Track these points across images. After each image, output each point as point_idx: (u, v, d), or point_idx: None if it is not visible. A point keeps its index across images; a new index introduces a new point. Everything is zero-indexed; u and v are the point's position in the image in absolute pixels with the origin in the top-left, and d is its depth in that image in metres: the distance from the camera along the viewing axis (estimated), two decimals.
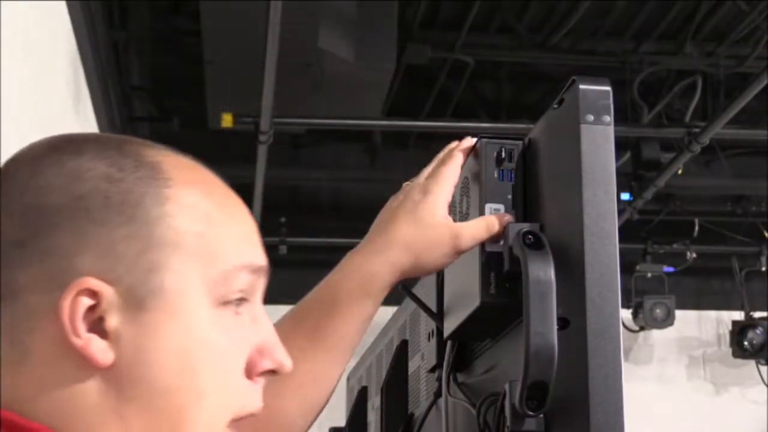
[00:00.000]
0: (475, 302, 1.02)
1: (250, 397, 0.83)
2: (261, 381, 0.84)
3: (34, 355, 0.78)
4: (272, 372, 0.84)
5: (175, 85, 4.92)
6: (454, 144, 1.12)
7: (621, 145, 4.81)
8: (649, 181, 5.03)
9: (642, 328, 6.43)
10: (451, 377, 1.20)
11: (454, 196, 1.11)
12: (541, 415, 0.94)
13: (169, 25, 4.69)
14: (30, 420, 0.77)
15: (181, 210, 0.80)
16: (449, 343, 1.20)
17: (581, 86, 0.96)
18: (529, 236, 0.97)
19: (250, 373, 0.83)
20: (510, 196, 1.04)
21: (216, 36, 4.12)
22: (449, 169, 1.10)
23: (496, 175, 1.05)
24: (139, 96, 4.77)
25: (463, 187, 1.10)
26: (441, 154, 1.14)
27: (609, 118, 0.95)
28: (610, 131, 0.95)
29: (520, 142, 1.06)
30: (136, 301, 0.78)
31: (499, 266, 1.01)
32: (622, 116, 4.73)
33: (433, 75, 4.91)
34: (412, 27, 4.57)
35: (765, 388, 6.48)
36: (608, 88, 0.97)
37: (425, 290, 1.30)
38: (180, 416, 0.79)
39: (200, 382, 0.79)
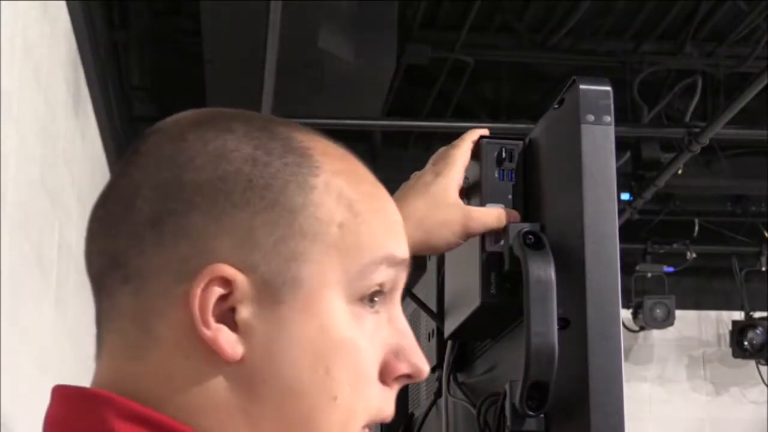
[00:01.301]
0: (476, 302, 1.02)
1: (384, 402, 0.77)
2: (396, 386, 0.78)
3: (163, 342, 0.73)
4: (408, 377, 0.78)
5: (175, 85, 4.91)
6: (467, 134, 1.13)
7: (621, 145, 4.80)
8: (649, 181, 5.02)
9: (642, 328, 6.44)
10: (451, 377, 1.20)
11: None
12: (542, 415, 0.94)
13: (169, 25, 4.69)
14: (167, 416, 0.71)
15: (325, 200, 0.75)
16: (449, 343, 1.20)
17: (581, 86, 0.96)
18: (530, 236, 0.97)
19: (385, 376, 0.77)
20: (510, 196, 1.04)
21: (216, 36, 4.12)
22: (460, 152, 1.09)
23: (496, 175, 1.05)
24: (139, 96, 4.76)
25: (463, 187, 1.10)
26: (443, 149, 1.14)
27: (609, 118, 0.95)
28: (610, 131, 0.95)
29: (521, 143, 1.06)
30: (270, 293, 0.72)
31: (499, 266, 1.01)
32: (622, 116, 4.73)
33: (433, 75, 4.91)
34: (412, 27, 4.57)
35: (765, 388, 6.48)
36: (608, 88, 0.97)
37: (426, 290, 1.30)
38: (311, 419, 0.73)
39: (334, 384, 0.73)
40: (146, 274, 0.73)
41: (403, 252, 0.79)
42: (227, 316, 0.72)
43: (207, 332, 0.71)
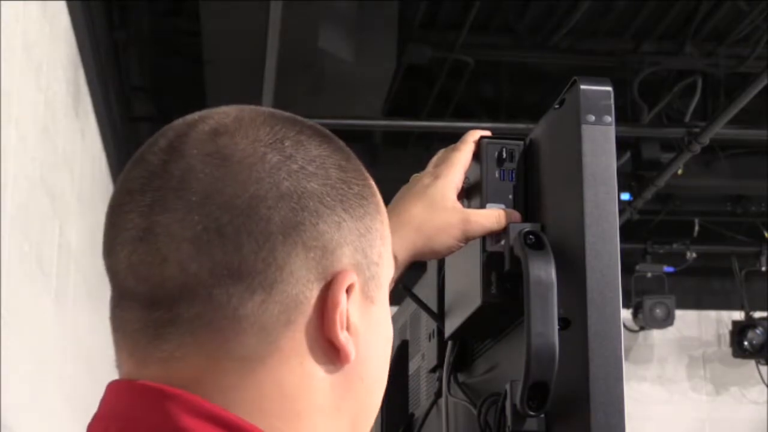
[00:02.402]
0: (476, 302, 1.02)
1: None
2: None
3: (282, 350, 0.73)
4: None
5: (175, 85, 4.91)
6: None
7: (621, 145, 4.80)
8: (649, 181, 5.03)
9: (642, 328, 6.44)
10: (451, 377, 1.20)
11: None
12: (542, 415, 0.94)
13: (169, 25, 4.69)
14: (248, 422, 0.71)
15: (380, 206, 0.80)
16: (450, 343, 1.20)
17: (582, 86, 0.96)
18: (530, 236, 0.97)
19: None
20: (511, 196, 1.04)
21: (216, 36, 4.12)
22: (461, 155, 1.09)
23: (497, 176, 1.05)
24: (139, 96, 4.76)
25: (464, 187, 1.10)
26: (443, 151, 1.14)
27: (610, 118, 0.95)
28: (611, 131, 0.95)
29: (521, 143, 1.06)
30: (369, 295, 0.77)
31: (500, 266, 1.01)
32: (622, 116, 4.73)
33: (433, 75, 4.91)
34: (412, 27, 4.57)
35: (765, 388, 6.48)
36: (609, 88, 0.97)
37: (426, 290, 1.30)
38: (373, 411, 0.80)
39: (386, 379, 0.81)
40: (276, 283, 0.73)
41: None
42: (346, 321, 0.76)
43: (344, 336, 0.74)
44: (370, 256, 0.77)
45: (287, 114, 0.79)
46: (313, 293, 0.73)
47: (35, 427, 2.66)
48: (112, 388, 0.75)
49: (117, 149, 4.15)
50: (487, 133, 1.10)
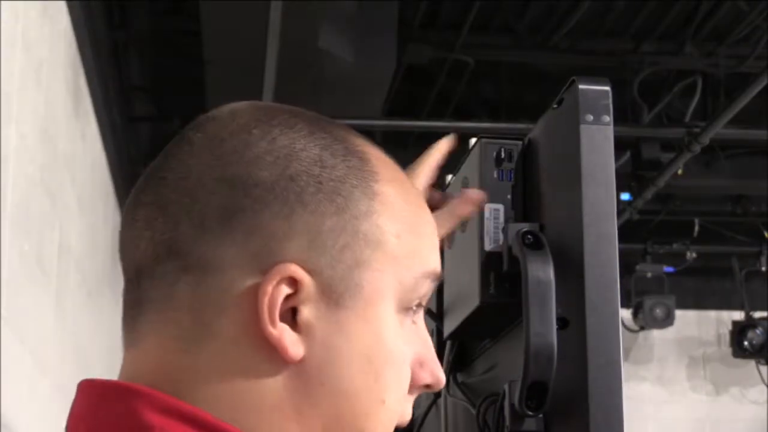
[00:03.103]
0: (475, 302, 1.02)
1: (408, 409, 0.80)
2: (415, 394, 0.80)
3: (220, 336, 0.72)
4: (428, 386, 0.80)
5: (175, 85, 4.91)
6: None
7: (621, 145, 4.81)
8: (649, 181, 5.03)
9: (642, 328, 6.44)
10: (450, 377, 1.20)
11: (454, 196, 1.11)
12: (541, 415, 0.94)
13: (169, 25, 4.69)
14: (216, 417, 0.70)
15: (385, 208, 0.76)
16: (449, 343, 1.20)
17: (581, 86, 0.96)
18: (529, 236, 0.97)
19: (410, 384, 0.79)
20: (509, 196, 1.04)
21: (216, 36, 4.12)
22: (429, 157, 1.08)
23: (495, 175, 1.05)
24: (139, 96, 4.77)
25: (463, 187, 1.10)
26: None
27: (609, 118, 0.95)
28: (609, 131, 0.95)
29: (520, 142, 1.06)
30: (333, 297, 0.73)
31: (498, 266, 1.01)
32: (622, 116, 4.73)
33: (433, 75, 4.91)
34: (412, 27, 4.57)
35: (765, 388, 6.48)
36: (608, 88, 0.96)
37: None
38: (361, 420, 0.75)
39: (383, 388, 0.75)
40: (210, 267, 0.72)
41: (440, 265, 0.81)
42: (288, 315, 0.73)
43: (273, 331, 0.71)
44: (338, 256, 0.73)
45: (282, 106, 0.79)
46: (246, 283, 0.72)
47: (34, 426, 2.66)
48: (80, 387, 0.76)
49: (117, 149, 4.15)
50: (451, 142, 1.10)
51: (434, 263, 0.79)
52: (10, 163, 2.31)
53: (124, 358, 0.77)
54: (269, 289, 0.71)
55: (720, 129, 4.36)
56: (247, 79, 4.02)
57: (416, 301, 0.78)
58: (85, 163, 3.58)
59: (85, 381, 0.76)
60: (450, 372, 1.20)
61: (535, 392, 0.93)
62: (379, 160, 0.78)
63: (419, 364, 0.79)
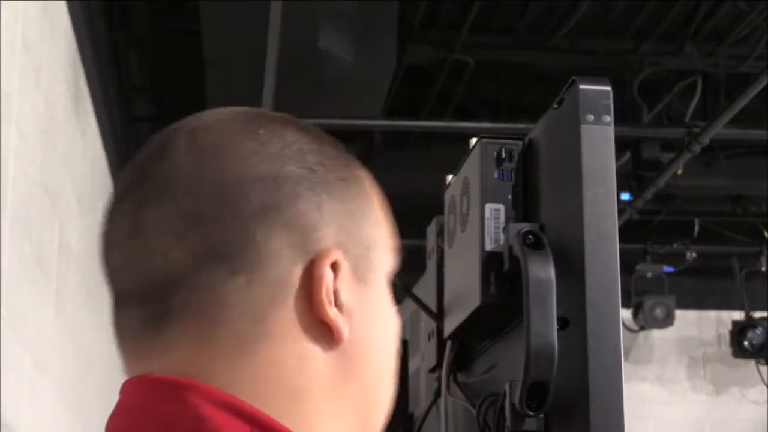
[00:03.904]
0: (475, 302, 1.02)
1: None
2: None
3: (274, 330, 0.74)
4: None
5: (175, 85, 4.91)
6: None
7: (621, 145, 4.81)
8: (649, 181, 5.02)
9: (642, 328, 6.44)
10: (451, 377, 1.20)
11: (454, 196, 1.11)
12: (541, 415, 0.94)
13: (169, 25, 4.69)
14: (277, 421, 0.72)
15: (371, 190, 0.82)
16: (449, 342, 1.20)
17: (581, 86, 0.96)
18: (529, 236, 0.97)
19: None
20: (510, 196, 1.04)
21: (216, 36, 4.12)
22: None
23: (495, 175, 1.04)
24: (139, 96, 4.77)
25: (463, 187, 1.10)
26: None
27: (609, 118, 0.95)
28: (610, 131, 0.95)
29: (520, 142, 1.06)
30: (360, 277, 0.78)
31: (499, 266, 1.01)
32: (622, 116, 4.73)
33: (433, 75, 4.91)
34: (412, 27, 4.57)
35: (765, 388, 6.48)
36: (608, 88, 0.96)
37: (425, 290, 1.30)
38: (386, 392, 0.80)
39: (393, 362, 0.81)
40: (257, 265, 0.74)
41: None
42: (332, 298, 0.76)
43: (332, 312, 0.75)
44: (357, 237, 0.78)
45: (265, 110, 0.83)
46: (297, 272, 0.75)
47: (34, 426, 2.66)
48: (128, 385, 0.76)
49: (117, 149, 4.15)
50: None
51: (395, 238, 0.84)
52: (10, 163, 2.31)
53: (136, 369, 0.76)
54: (324, 273, 0.75)
55: (720, 129, 4.36)
56: (247, 79, 4.02)
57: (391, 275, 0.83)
58: (85, 163, 3.58)
59: (130, 380, 0.76)
60: (450, 372, 1.20)
61: (535, 392, 0.93)
62: (344, 148, 0.82)
63: None
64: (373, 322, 0.79)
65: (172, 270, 0.74)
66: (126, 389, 0.76)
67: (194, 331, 0.74)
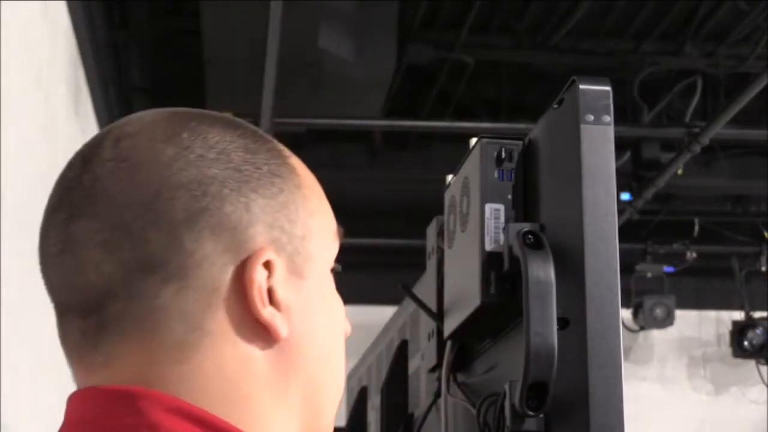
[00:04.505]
0: (476, 302, 1.02)
1: None
2: None
3: (212, 336, 0.74)
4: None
5: (175, 85, 4.91)
6: None
7: (621, 145, 4.81)
8: (649, 181, 5.02)
9: (642, 328, 6.44)
10: (451, 377, 1.20)
11: (454, 196, 1.11)
12: (541, 415, 0.94)
13: (169, 25, 4.69)
14: (222, 420, 0.73)
15: (302, 179, 0.81)
16: (449, 343, 1.20)
17: (581, 86, 0.96)
18: (529, 236, 0.97)
19: None
20: (510, 196, 1.04)
21: (216, 36, 4.12)
22: None
23: (495, 175, 1.04)
24: (139, 96, 4.77)
25: (463, 187, 1.10)
26: None
27: (609, 118, 0.95)
28: (610, 131, 0.95)
29: (520, 142, 1.06)
30: (296, 271, 0.78)
31: (499, 266, 1.01)
32: (622, 116, 4.73)
33: (433, 75, 4.91)
34: (412, 27, 4.57)
35: (765, 388, 6.48)
36: (608, 88, 0.96)
37: (425, 290, 1.30)
38: (334, 380, 0.81)
39: (342, 348, 0.82)
40: (189, 272, 0.74)
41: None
42: (268, 297, 0.76)
43: (267, 313, 0.75)
44: (291, 232, 0.78)
45: (191, 110, 0.82)
46: (228, 275, 0.75)
47: (35, 427, 2.66)
48: (76, 398, 0.77)
49: None
50: None
51: (335, 222, 0.85)
52: (10, 163, 2.31)
53: (83, 380, 0.77)
54: (254, 275, 0.75)
55: (720, 129, 4.36)
56: (247, 79, 4.02)
57: (333, 262, 0.83)
58: None
59: (77, 392, 0.77)
60: (450, 372, 1.20)
61: (535, 392, 0.93)
62: (273, 140, 0.82)
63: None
64: (314, 314, 0.79)
65: (106, 282, 0.74)
66: (74, 402, 0.77)
67: (136, 340, 0.75)
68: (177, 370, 0.74)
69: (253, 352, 0.75)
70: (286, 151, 0.82)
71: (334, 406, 0.82)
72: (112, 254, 0.74)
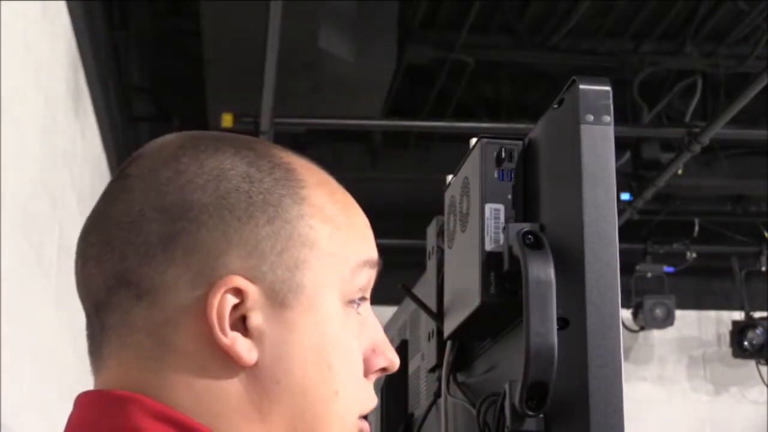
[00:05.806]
0: (476, 302, 1.02)
1: (371, 394, 0.85)
2: (373, 379, 0.86)
3: (180, 353, 0.78)
4: (384, 370, 0.86)
5: (175, 85, 4.91)
6: None
7: (621, 145, 4.81)
8: (649, 181, 5.02)
9: (642, 328, 6.44)
10: (451, 377, 1.20)
11: (454, 196, 1.11)
12: (541, 416, 0.94)
13: (169, 25, 4.69)
14: (193, 420, 0.76)
15: (314, 210, 0.82)
16: (449, 343, 1.20)
17: (581, 86, 0.96)
18: (529, 236, 0.97)
19: (366, 371, 0.85)
20: (510, 196, 1.04)
21: (216, 36, 4.12)
22: None
23: (495, 175, 1.04)
24: (139, 96, 4.77)
25: (463, 187, 1.09)
26: None
27: (609, 118, 0.95)
28: (610, 131, 0.95)
29: (520, 142, 1.06)
30: (278, 299, 0.79)
31: (499, 266, 1.01)
32: (622, 116, 4.73)
33: (433, 75, 4.91)
34: (412, 27, 4.57)
35: (765, 388, 6.48)
36: (608, 88, 0.96)
37: (425, 290, 1.30)
38: (318, 412, 0.80)
39: (335, 379, 0.81)
40: (159, 290, 0.78)
41: (376, 253, 0.86)
42: (239, 324, 0.78)
43: (225, 340, 0.77)
44: (277, 261, 0.79)
45: (212, 133, 0.85)
46: (195, 300, 0.78)
47: (35, 427, 2.66)
48: (80, 399, 0.81)
49: (117, 149, 4.15)
50: None
51: (369, 253, 0.85)
52: (10, 163, 2.31)
53: (95, 385, 0.82)
54: (215, 302, 0.77)
55: (720, 129, 4.36)
56: (247, 79, 4.02)
57: (358, 293, 0.84)
58: (85, 163, 3.58)
59: (81, 394, 0.81)
60: (450, 372, 1.20)
61: (535, 392, 0.92)
62: (304, 167, 0.84)
63: (372, 350, 0.85)
64: (294, 343, 0.79)
65: (97, 294, 0.80)
66: (77, 404, 0.81)
67: (114, 348, 0.80)
68: (147, 379, 0.78)
69: (220, 373, 0.78)
70: (307, 181, 0.82)
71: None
72: (101, 267, 0.80)
